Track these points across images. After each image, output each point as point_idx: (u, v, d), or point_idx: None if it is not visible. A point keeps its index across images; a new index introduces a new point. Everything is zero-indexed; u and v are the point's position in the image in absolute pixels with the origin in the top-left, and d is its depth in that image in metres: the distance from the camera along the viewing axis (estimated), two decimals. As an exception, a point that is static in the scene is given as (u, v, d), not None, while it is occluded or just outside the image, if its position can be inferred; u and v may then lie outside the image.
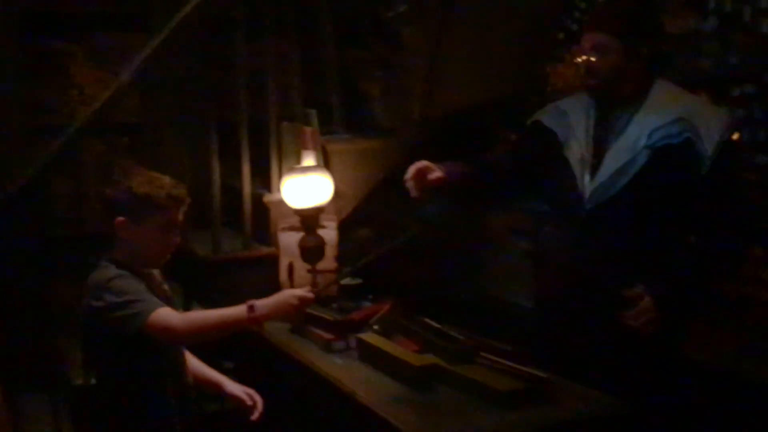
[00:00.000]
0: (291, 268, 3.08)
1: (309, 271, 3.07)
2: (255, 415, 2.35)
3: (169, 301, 2.27)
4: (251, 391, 2.38)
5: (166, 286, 2.36)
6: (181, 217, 2.24)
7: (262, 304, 2.11)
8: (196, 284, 3.21)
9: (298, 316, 2.22)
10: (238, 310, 2.10)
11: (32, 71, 3.73)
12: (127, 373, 2.10)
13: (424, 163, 2.52)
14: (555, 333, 2.43)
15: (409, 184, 2.50)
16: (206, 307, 3.14)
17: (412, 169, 2.50)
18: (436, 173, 2.51)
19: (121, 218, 2.16)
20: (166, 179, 2.21)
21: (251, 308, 2.08)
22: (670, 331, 2.27)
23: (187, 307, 3.09)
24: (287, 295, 2.15)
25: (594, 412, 2.09)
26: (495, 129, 3.54)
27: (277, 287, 3.09)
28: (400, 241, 2.39)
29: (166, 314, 2.06)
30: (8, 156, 3.49)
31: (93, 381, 2.30)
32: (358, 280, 3.07)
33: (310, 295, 2.15)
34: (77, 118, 3.05)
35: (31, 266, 3.15)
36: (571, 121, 2.46)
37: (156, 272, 2.35)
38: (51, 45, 3.76)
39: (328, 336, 2.67)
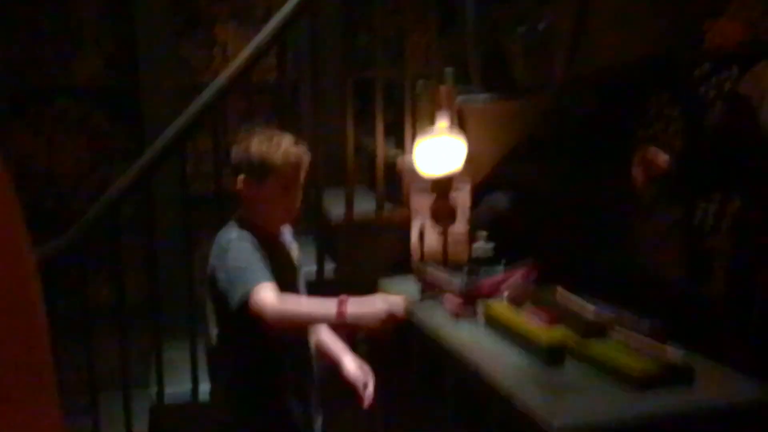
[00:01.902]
0: (422, 232, 3.03)
1: (440, 235, 3.01)
2: (365, 404, 2.29)
3: (289, 267, 2.27)
4: (368, 377, 2.30)
5: (294, 249, 2.35)
6: (302, 176, 2.21)
7: (354, 300, 2.01)
8: (329, 244, 3.23)
9: (386, 323, 2.01)
10: (327, 307, 2.01)
11: (180, 30, 3.84)
12: (244, 335, 2.10)
13: (650, 149, 2.39)
14: (708, 309, 2.26)
15: (636, 170, 2.38)
16: (338, 265, 3.18)
17: (638, 155, 2.38)
18: (663, 157, 2.37)
19: (242, 177, 2.17)
20: (286, 139, 2.19)
21: (342, 303, 1.99)
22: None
23: (319, 264, 3.12)
24: (378, 305, 2.01)
25: (737, 398, 1.91)
26: (646, 90, 3.31)
27: (408, 250, 3.06)
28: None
29: (264, 294, 2.00)
30: (159, 114, 3.62)
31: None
32: (491, 245, 2.98)
33: (401, 304, 2.01)
34: (219, 76, 3.10)
35: (176, 221, 3.27)
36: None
37: (287, 231, 2.35)
38: (197, 3, 3.84)
39: (458, 296, 2.60)
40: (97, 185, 3.74)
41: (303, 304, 2.06)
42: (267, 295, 2.00)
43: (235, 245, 2.12)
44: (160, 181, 3.09)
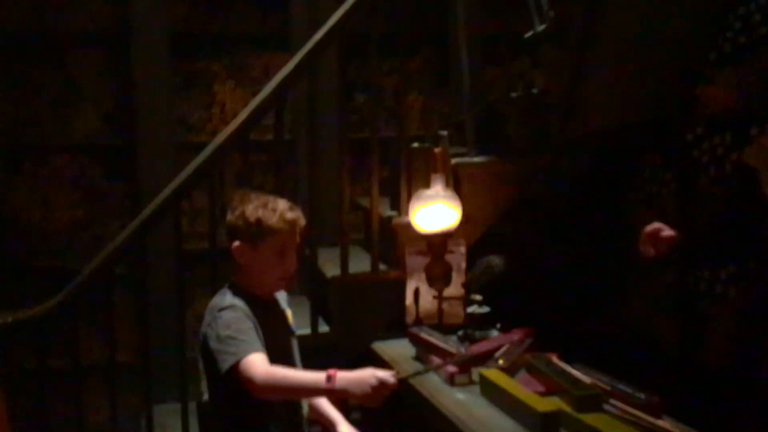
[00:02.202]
0: (417, 293, 3.03)
1: (435, 297, 3.01)
2: None
3: (283, 333, 2.26)
4: None
5: (287, 311, 2.35)
6: (297, 239, 2.21)
7: (341, 376, 1.98)
8: (323, 302, 3.22)
9: (375, 400, 1.99)
10: (317, 379, 2.00)
11: (178, 90, 3.88)
12: (232, 398, 2.08)
13: (655, 225, 2.46)
14: (709, 386, 2.25)
15: (644, 247, 2.42)
16: (332, 325, 3.16)
17: (646, 232, 2.45)
18: (669, 231, 2.41)
19: (236, 243, 2.17)
20: (281, 203, 2.19)
21: (329, 379, 1.97)
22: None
23: (313, 324, 3.11)
24: (368, 374, 1.99)
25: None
26: (639, 153, 3.34)
27: (402, 311, 3.05)
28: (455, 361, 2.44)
29: (253, 364, 2.00)
30: (156, 172, 3.64)
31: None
32: (486, 308, 2.97)
33: (392, 380, 1.98)
34: (218, 136, 3.12)
35: (170, 279, 3.26)
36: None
37: (281, 297, 2.34)
38: (196, 64, 3.89)
39: (451, 369, 2.58)
40: (92, 241, 3.76)
41: (291, 377, 2.04)
42: (256, 367, 2.00)
43: (227, 314, 2.11)
44: (155, 237, 3.10)
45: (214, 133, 3.63)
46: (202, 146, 3.10)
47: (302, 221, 2.23)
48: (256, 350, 2.04)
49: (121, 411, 3.13)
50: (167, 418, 3.20)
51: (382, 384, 1.96)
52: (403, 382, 2.01)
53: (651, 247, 2.40)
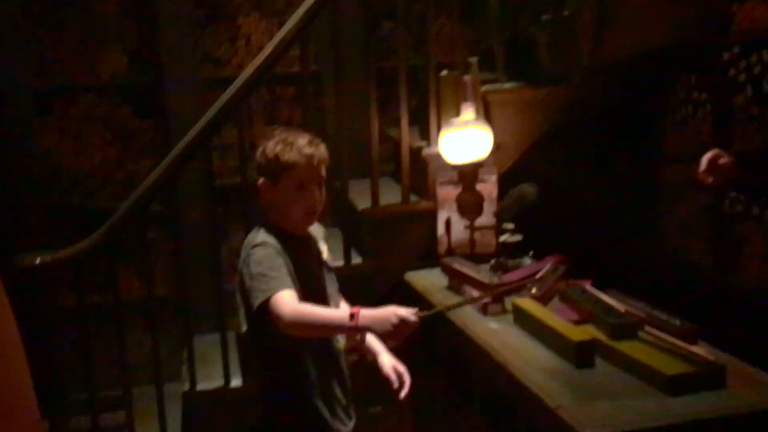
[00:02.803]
0: (448, 224, 3.03)
1: (467, 227, 3.01)
2: (401, 396, 2.30)
3: (317, 268, 2.28)
4: (402, 370, 2.31)
5: (323, 246, 2.36)
6: (320, 175, 2.20)
7: (364, 315, 2.00)
8: (355, 234, 3.23)
9: (396, 337, 2.02)
10: (341, 317, 2.03)
11: (203, 24, 3.83)
12: (267, 333, 2.10)
13: (714, 151, 2.39)
14: (744, 311, 2.23)
15: (703, 175, 2.37)
16: (364, 257, 3.18)
17: (705, 160, 2.38)
18: (726, 158, 2.36)
19: (260, 180, 2.18)
20: (301, 138, 2.18)
21: (353, 317, 1.99)
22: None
23: (346, 256, 3.13)
24: (389, 312, 2.00)
25: (770, 403, 1.89)
26: (674, 76, 3.26)
27: (434, 242, 3.05)
28: (474, 300, 2.41)
29: (282, 302, 2.03)
30: (185, 109, 3.63)
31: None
32: (519, 237, 2.97)
33: (414, 318, 1.99)
34: (245, 70, 3.09)
35: (203, 215, 3.29)
36: None
37: (318, 233, 2.35)
38: (221, -3, 3.84)
39: (483, 298, 2.59)
40: (125, 181, 3.79)
41: (317, 315, 2.06)
42: (284, 304, 2.03)
43: (259, 251, 2.13)
44: (187, 175, 3.11)
45: (240, 67, 3.59)
46: (228, 80, 3.07)
47: (322, 155, 2.21)
48: (285, 287, 2.06)
49: (162, 344, 3.20)
50: (207, 350, 3.26)
51: (403, 322, 1.98)
52: (424, 321, 2.02)
53: (709, 175, 2.34)
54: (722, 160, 2.33)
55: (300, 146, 2.16)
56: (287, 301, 2.04)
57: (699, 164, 2.40)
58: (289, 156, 2.15)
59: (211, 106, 3.02)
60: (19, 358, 0.77)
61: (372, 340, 2.36)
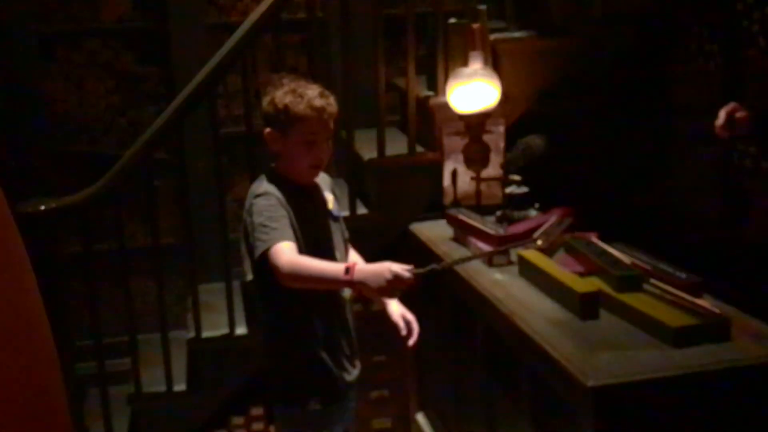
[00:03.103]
0: (455, 175, 3.01)
1: (473, 178, 2.99)
2: (410, 343, 2.32)
3: (322, 218, 2.27)
4: (410, 318, 2.33)
5: (329, 196, 2.34)
6: (329, 128, 2.18)
7: (359, 269, 2.02)
8: (361, 184, 3.22)
9: (390, 293, 2.05)
10: (336, 270, 2.04)
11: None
12: (271, 282, 2.09)
13: (731, 105, 2.36)
14: (747, 262, 2.22)
15: (720, 129, 2.35)
16: (370, 207, 3.17)
17: (723, 113, 2.35)
18: (743, 112, 2.33)
19: (267, 130, 2.16)
20: (311, 89, 2.15)
21: (348, 271, 2.00)
22: None
23: (351, 206, 3.12)
24: (384, 267, 2.00)
25: (774, 356, 1.89)
26: (686, 26, 3.20)
27: (440, 192, 3.04)
28: (471, 258, 2.38)
29: (280, 253, 2.03)
30: (189, 55, 3.59)
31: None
32: (525, 189, 2.95)
33: (408, 275, 1.99)
34: (250, 15, 3.05)
35: (208, 163, 3.28)
36: None
37: (324, 182, 2.34)
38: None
39: (489, 250, 2.59)
40: (129, 127, 3.76)
41: (313, 268, 2.05)
42: (282, 255, 2.03)
43: (261, 201, 2.12)
44: (191, 123, 3.08)
45: (245, 13, 3.54)
46: (233, 27, 3.03)
47: (332, 108, 2.18)
48: (285, 239, 2.06)
49: (168, 292, 3.22)
50: (212, 297, 3.28)
51: (397, 278, 1.98)
52: (419, 277, 2.02)
53: (726, 129, 2.31)
54: (739, 114, 2.30)
55: (310, 99, 2.13)
56: (285, 252, 2.04)
57: (710, 118, 2.37)
58: (299, 109, 2.12)
59: (215, 53, 2.98)
60: (48, 350, 0.75)
61: None
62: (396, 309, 2.34)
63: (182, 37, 3.68)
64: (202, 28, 3.71)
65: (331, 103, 2.17)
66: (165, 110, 3.01)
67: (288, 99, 2.12)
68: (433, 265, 2.12)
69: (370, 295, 2.12)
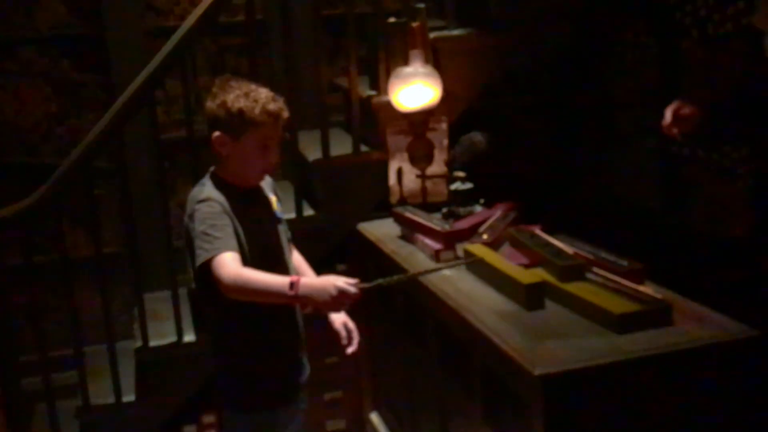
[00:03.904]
0: (400, 173, 3.02)
1: (418, 176, 3.00)
2: (348, 351, 2.33)
3: (268, 221, 2.25)
4: (351, 327, 2.34)
5: (272, 198, 2.33)
6: (280, 132, 2.17)
7: (304, 284, 2.00)
8: (307, 186, 3.20)
9: (336, 308, 2.06)
10: (281, 284, 2.01)
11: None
12: (213, 288, 2.07)
13: (675, 103, 2.37)
14: (687, 248, 2.27)
15: (667, 128, 2.37)
16: (317, 208, 3.16)
17: (669, 112, 2.36)
18: (688, 109, 2.35)
19: (217, 134, 2.12)
20: (263, 93, 2.12)
21: (292, 286, 1.99)
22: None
23: (298, 208, 3.10)
24: (329, 283, 1.99)
25: (716, 337, 1.93)
26: (623, 19, 3.26)
27: (386, 191, 3.04)
28: (432, 270, 2.36)
29: (223, 264, 2.00)
30: (127, 60, 3.53)
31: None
32: (469, 185, 2.97)
33: (353, 290, 1.99)
34: (187, 19, 3.02)
35: (150, 169, 3.24)
36: None
37: (266, 184, 2.32)
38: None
39: (436, 246, 2.61)
40: (68, 135, 3.69)
41: (257, 281, 2.02)
42: (225, 267, 2.00)
43: (204, 208, 2.09)
44: (132, 128, 3.04)
45: (183, 17, 3.50)
46: (172, 31, 3.00)
47: (285, 113, 2.16)
48: (227, 249, 2.03)
49: (113, 302, 3.16)
50: (159, 306, 3.23)
51: (342, 293, 1.98)
52: (366, 292, 2.03)
53: (673, 126, 2.35)
54: (684, 111, 2.34)
55: (265, 103, 2.10)
56: (228, 263, 2.01)
57: (648, 109, 2.41)
58: (255, 114, 2.08)
59: (153, 58, 2.94)
60: None
61: None
62: (338, 317, 2.35)
63: (120, 43, 3.63)
64: (140, 33, 3.65)
65: (283, 108, 2.15)
66: (103, 117, 2.96)
67: (242, 103, 2.08)
68: (379, 280, 2.10)
69: (315, 308, 2.10)
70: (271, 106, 2.11)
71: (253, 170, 2.17)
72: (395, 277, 2.20)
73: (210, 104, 2.13)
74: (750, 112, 2.39)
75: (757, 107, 2.34)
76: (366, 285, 2.04)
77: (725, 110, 2.46)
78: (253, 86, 2.15)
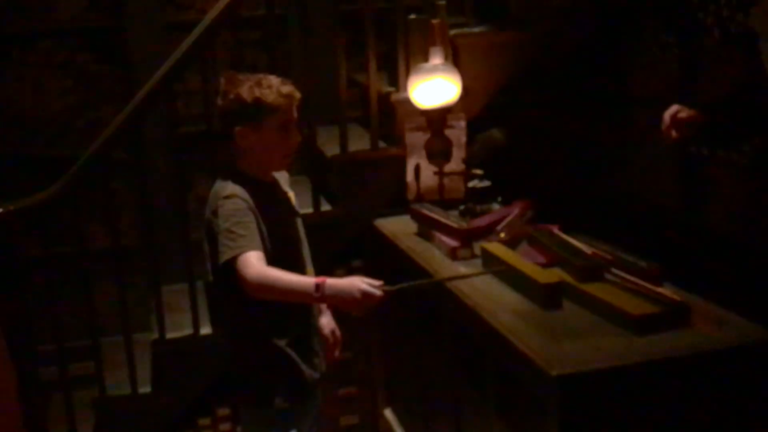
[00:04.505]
0: (418, 170, 3.01)
1: (435, 173, 3.00)
2: (329, 356, 2.39)
3: (289, 215, 2.26)
4: (338, 336, 2.42)
5: (290, 193, 2.34)
6: (295, 114, 2.19)
7: (330, 285, 2.02)
8: (324, 181, 3.21)
9: (360, 309, 2.06)
10: (306, 286, 2.04)
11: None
12: (233, 284, 2.08)
13: (673, 107, 2.37)
14: (706, 249, 2.25)
15: (666, 132, 2.37)
16: (334, 203, 3.16)
17: (666, 116, 2.37)
18: (686, 112, 2.35)
19: (239, 128, 2.14)
20: (272, 79, 2.17)
21: (318, 288, 2.01)
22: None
23: (315, 203, 3.10)
24: (354, 286, 2.02)
25: (734, 340, 1.92)
26: (642, 16, 3.24)
27: (403, 188, 3.04)
28: (458, 278, 2.36)
29: (248, 263, 2.02)
30: (147, 53, 3.54)
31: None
32: (487, 183, 2.97)
33: (378, 293, 2.01)
34: (209, 13, 3.02)
35: (168, 162, 3.25)
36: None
37: (283, 180, 2.33)
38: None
39: (452, 243, 2.60)
40: (87, 128, 3.70)
41: (282, 282, 2.04)
42: (250, 266, 2.02)
43: (229, 204, 2.10)
44: (151, 121, 3.05)
45: (203, 11, 3.50)
46: (192, 24, 3.00)
47: (298, 94, 2.21)
48: (253, 248, 2.05)
49: (130, 294, 3.17)
50: (175, 299, 3.25)
51: (366, 295, 2.01)
52: (388, 294, 2.04)
53: (672, 130, 2.34)
54: (682, 114, 2.33)
55: (277, 87, 2.15)
56: (253, 263, 2.02)
57: (667, 108, 2.40)
58: (272, 99, 2.13)
59: (174, 51, 2.95)
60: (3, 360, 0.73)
61: None
62: (327, 323, 2.40)
63: (140, 36, 3.64)
64: (160, 26, 3.66)
65: (295, 89, 2.19)
66: (123, 110, 2.97)
67: (257, 92, 2.12)
68: (403, 284, 2.12)
69: (339, 308, 2.13)
70: (284, 88, 2.15)
71: (279, 155, 2.20)
72: (420, 282, 2.21)
73: (222, 102, 2.17)
74: (747, 118, 2.38)
75: (754, 113, 2.32)
76: (390, 288, 2.06)
77: (724, 114, 2.45)
78: (260, 75, 2.19)
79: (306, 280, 2.06)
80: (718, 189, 2.91)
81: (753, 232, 2.43)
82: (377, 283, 2.04)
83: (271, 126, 2.14)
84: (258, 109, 2.12)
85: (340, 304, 2.06)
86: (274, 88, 2.14)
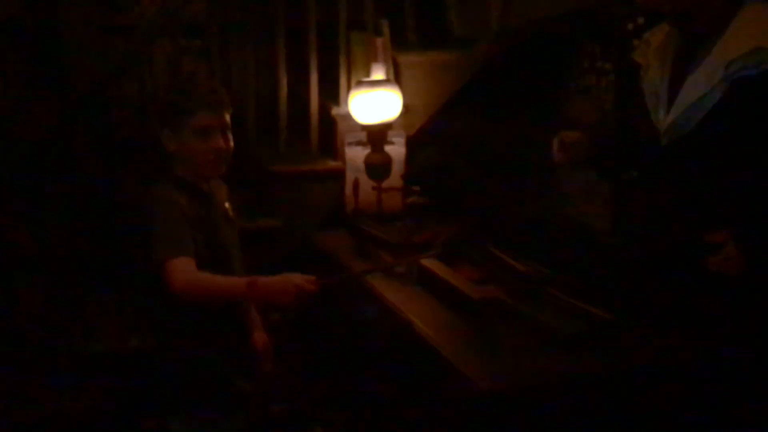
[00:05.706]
0: (356, 184, 3.02)
1: (374, 188, 3.00)
2: (262, 371, 2.35)
3: (225, 223, 2.24)
4: (269, 351, 2.36)
5: (227, 204, 2.32)
6: (223, 119, 2.14)
7: (263, 283, 2.00)
8: (262, 195, 3.18)
9: (294, 305, 2.04)
10: (238, 285, 2.02)
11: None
12: (165, 288, 2.03)
13: (562, 131, 2.42)
14: (632, 269, 2.30)
15: (557, 156, 2.41)
16: (272, 216, 3.14)
17: (555, 141, 2.41)
18: (571, 136, 2.40)
19: (162, 131, 2.13)
20: (200, 83, 2.19)
21: (250, 286, 1.99)
22: (758, 277, 2.10)
23: (253, 215, 3.08)
24: (287, 281, 2.00)
25: (660, 359, 1.96)
26: (580, 43, 3.32)
27: (342, 203, 3.04)
28: (386, 267, 2.39)
29: (177, 269, 1.98)
30: (82, 57, 3.47)
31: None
32: (424, 198, 2.98)
33: (311, 287, 2.01)
34: (147, 18, 2.99)
35: (99, 167, 3.18)
36: (651, 51, 2.26)
37: (221, 189, 2.30)
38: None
39: (389, 259, 2.60)
40: (18, 131, 3.60)
41: (212, 284, 2.02)
42: (180, 272, 1.99)
43: (162, 207, 2.07)
44: (84, 127, 2.99)
45: (143, 15, 3.46)
46: (130, 28, 2.96)
47: (220, 97, 2.16)
48: (183, 253, 2.01)
49: (56, 302, 3.09)
50: (103, 307, 3.17)
51: (301, 290, 1.99)
52: (324, 287, 2.03)
53: (561, 153, 2.40)
54: (569, 137, 2.39)
55: (200, 91, 2.13)
56: (183, 269, 1.99)
57: (601, 132, 2.46)
58: (188, 101, 2.11)
59: (110, 55, 2.91)
60: None
61: (251, 313, 2.37)
62: (260, 338, 2.36)
63: (75, 38, 3.55)
64: (96, 29, 3.59)
65: (216, 90, 2.16)
66: (56, 113, 2.90)
67: (176, 95, 2.13)
68: (335, 276, 2.11)
69: (274, 305, 2.10)
70: (204, 93, 2.12)
71: (202, 160, 2.14)
72: (353, 273, 2.19)
73: (153, 105, 2.15)
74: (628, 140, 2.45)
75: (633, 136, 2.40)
76: (324, 281, 2.05)
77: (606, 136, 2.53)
78: (193, 78, 2.18)
79: (238, 279, 2.04)
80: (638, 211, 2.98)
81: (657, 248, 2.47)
82: (310, 277, 2.02)
83: (188, 130, 2.11)
84: (176, 112, 2.12)
85: (275, 300, 2.02)
86: (195, 92, 2.13)
